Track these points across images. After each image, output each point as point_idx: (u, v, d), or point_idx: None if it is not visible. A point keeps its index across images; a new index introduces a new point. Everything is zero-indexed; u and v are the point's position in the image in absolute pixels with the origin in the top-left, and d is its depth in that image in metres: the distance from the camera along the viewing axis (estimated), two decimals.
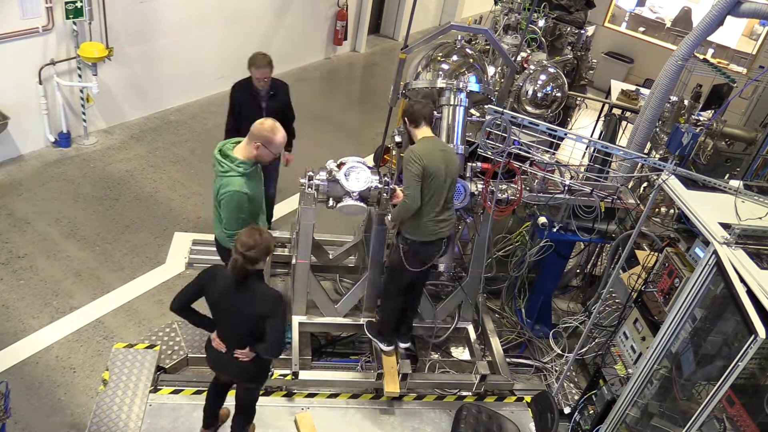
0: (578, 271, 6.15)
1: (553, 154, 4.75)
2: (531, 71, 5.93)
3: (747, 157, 5.48)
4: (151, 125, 8.08)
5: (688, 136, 5.13)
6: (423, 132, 4.25)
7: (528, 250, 5.30)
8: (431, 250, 4.31)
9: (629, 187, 5.34)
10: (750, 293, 3.02)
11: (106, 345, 4.92)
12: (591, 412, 4.54)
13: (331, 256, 5.72)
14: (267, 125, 4.01)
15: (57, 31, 6.69)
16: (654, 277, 4.21)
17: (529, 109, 5.88)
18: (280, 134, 4.04)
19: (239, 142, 4.15)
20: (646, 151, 5.74)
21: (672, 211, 4.56)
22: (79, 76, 7.08)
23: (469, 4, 14.19)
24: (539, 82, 5.84)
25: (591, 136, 7.17)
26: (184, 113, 8.51)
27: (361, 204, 4.54)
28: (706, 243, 3.45)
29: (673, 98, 5.84)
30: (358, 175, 4.48)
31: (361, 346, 5.28)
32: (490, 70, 6.23)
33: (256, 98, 5.51)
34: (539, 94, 5.83)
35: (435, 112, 4.85)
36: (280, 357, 4.86)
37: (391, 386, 4.59)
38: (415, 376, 4.82)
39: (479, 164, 4.71)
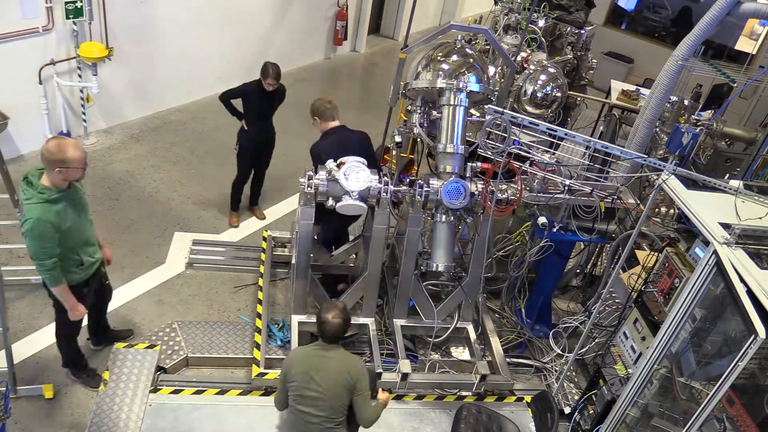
0: (578, 271, 6.15)
1: (553, 154, 4.75)
2: (531, 71, 5.93)
3: (747, 157, 5.49)
4: (151, 125, 8.08)
5: (688, 136, 5.13)
6: None
7: (528, 250, 5.30)
8: None
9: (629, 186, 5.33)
10: (750, 293, 3.02)
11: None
12: (591, 412, 4.54)
13: (330, 256, 5.72)
14: (52, 146, 3.62)
15: (57, 31, 6.69)
16: (654, 277, 4.21)
17: (529, 109, 5.88)
18: (71, 149, 3.65)
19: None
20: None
21: (672, 211, 4.56)
22: (79, 76, 7.08)
23: (469, 4, 14.20)
24: (539, 82, 5.84)
25: (591, 135, 7.17)
26: (184, 113, 8.51)
27: (361, 204, 4.54)
28: (706, 243, 3.45)
29: (673, 98, 5.84)
30: (358, 175, 4.48)
31: (361, 346, 5.28)
32: (490, 70, 6.23)
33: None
34: (539, 94, 5.83)
35: (434, 112, 4.87)
36: (280, 357, 4.89)
37: None
38: (415, 376, 4.82)
39: (479, 164, 4.71)
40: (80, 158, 3.69)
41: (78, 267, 4.00)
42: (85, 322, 4.38)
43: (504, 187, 4.72)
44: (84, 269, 4.05)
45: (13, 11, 6.25)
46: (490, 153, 4.38)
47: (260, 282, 5.48)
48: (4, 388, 3.74)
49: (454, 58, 4.96)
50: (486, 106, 4.58)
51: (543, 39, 7.20)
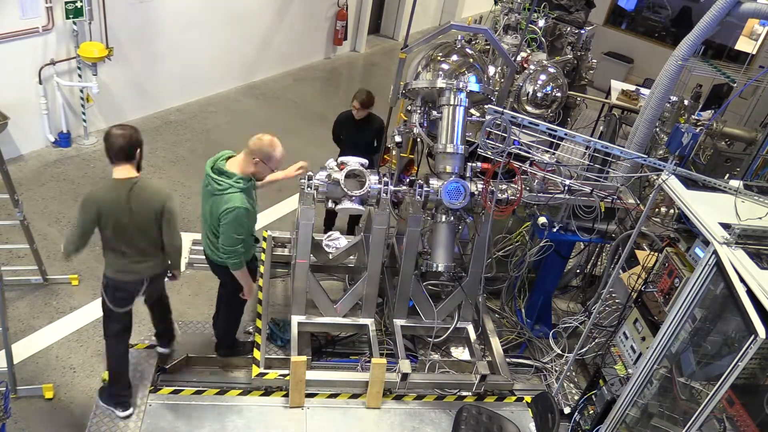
0: (578, 271, 6.15)
1: (553, 154, 4.75)
2: (531, 71, 5.93)
3: (747, 157, 5.49)
4: (151, 125, 8.08)
5: (688, 136, 5.13)
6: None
7: (528, 250, 5.30)
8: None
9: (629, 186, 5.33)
10: (750, 293, 3.01)
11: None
12: (591, 412, 4.54)
13: (330, 256, 5.72)
14: (266, 140, 3.94)
15: (57, 31, 6.69)
16: (654, 277, 4.21)
17: (529, 109, 5.88)
18: (279, 149, 3.98)
19: (230, 157, 4.06)
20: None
21: (672, 211, 4.56)
22: (79, 76, 7.08)
23: (469, 4, 14.20)
24: (539, 82, 5.84)
25: (591, 135, 7.17)
26: (184, 113, 8.51)
27: (360, 206, 4.54)
28: (706, 243, 3.45)
29: (673, 98, 5.84)
30: (358, 178, 4.48)
31: (361, 346, 5.28)
32: (490, 70, 6.23)
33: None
34: (539, 94, 5.83)
35: (434, 112, 4.86)
36: (280, 356, 4.90)
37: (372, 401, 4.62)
38: (415, 376, 4.82)
39: (479, 164, 4.71)
40: (278, 163, 4.05)
41: (249, 250, 4.27)
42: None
43: (504, 187, 4.72)
44: (252, 250, 4.38)
45: (13, 11, 6.25)
46: (490, 153, 4.38)
47: (260, 282, 5.47)
48: (4, 388, 3.75)
49: (454, 58, 4.96)
50: (486, 106, 4.59)
51: (543, 39, 7.20)
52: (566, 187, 4.76)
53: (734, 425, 3.34)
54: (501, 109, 4.20)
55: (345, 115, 5.92)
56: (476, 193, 4.64)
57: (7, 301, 5.04)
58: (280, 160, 4.00)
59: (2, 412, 3.59)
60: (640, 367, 3.83)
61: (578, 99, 7.65)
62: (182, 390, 4.51)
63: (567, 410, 4.82)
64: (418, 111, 5.04)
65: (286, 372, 4.60)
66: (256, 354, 4.75)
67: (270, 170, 4.03)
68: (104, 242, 3.86)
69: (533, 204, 4.95)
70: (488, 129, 4.30)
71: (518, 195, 4.66)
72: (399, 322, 5.11)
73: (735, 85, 6.72)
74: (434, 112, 4.86)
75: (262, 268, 5.62)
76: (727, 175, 5.51)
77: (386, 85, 5.49)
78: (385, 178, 4.61)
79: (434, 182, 4.60)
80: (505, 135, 4.25)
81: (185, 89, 8.64)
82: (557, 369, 5.28)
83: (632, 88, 8.65)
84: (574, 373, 5.27)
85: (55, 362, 4.72)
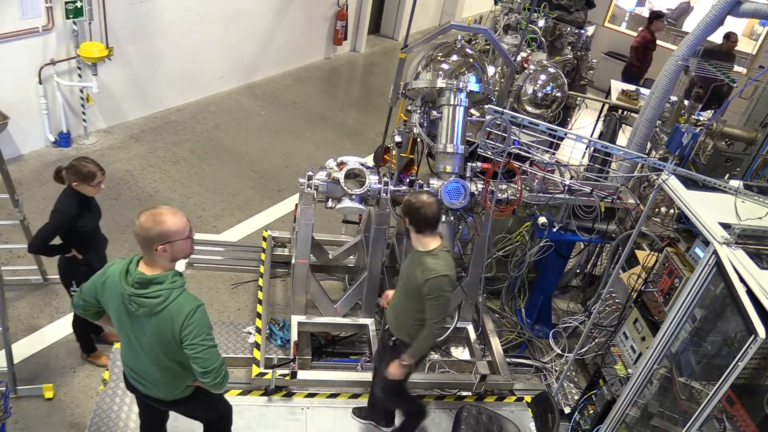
0: (578, 271, 6.15)
1: (553, 154, 4.75)
2: (531, 71, 5.93)
3: (747, 157, 5.48)
4: (151, 125, 8.08)
5: (688, 136, 5.13)
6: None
7: (528, 250, 5.30)
8: None
9: (629, 186, 5.34)
10: (750, 293, 3.02)
11: (106, 345, 4.91)
12: (591, 412, 4.54)
13: (330, 256, 5.73)
14: (143, 221, 2.96)
15: (57, 31, 6.69)
16: (654, 277, 4.21)
17: (529, 109, 5.88)
18: (167, 219, 2.94)
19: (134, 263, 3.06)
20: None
21: (672, 211, 4.56)
22: (79, 75, 7.07)
23: (469, 4, 14.21)
24: (539, 82, 5.84)
25: (591, 136, 7.17)
26: (184, 113, 8.51)
27: (360, 205, 4.54)
28: (706, 243, 3.45)
29: (673, 98, 5.84)
30: (358, 177, 4.48)
31: (361, 346, 5.28)
32: (490, 70, 6.23)
33: None
34: (539, 94, 5.83)
35: (434, 112, 4.86)
36: (281, 357, 4.89)
37: None
38: (415, 376, 4.82)
39: (479, 164, 4.71)
40: (186, 225, 2.95)
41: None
42: None
43: (504, 187, 4.72)
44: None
45: (13, 11, 6.25)
46: (490, 153, 4.38)
47: (260, 282, 5.48)
48: (4, 388, 3.75)
49: (454, 58, 4.96)
50: (486, 106, 4.59)
51: (543, 39, 7.21)
52: (566, 187, 4.77)
53: (734, 425, 3.34)
54: (501, 109, 4.20)
55: None
56: (476, 193, 4.64)
57: (7, 301, 5.03)
58: (184, 225, 2.92)
59: (2, 412, 3.59)
60: (640, 367, 3.83)
61: (578, 99, 7.66)
62: None
63: (567, 410, 4.82)
64: (418, 111, 5.04)
65: (285, 372, 4.60)
66: (256, 354, 4.75)
67: (189, 240, 2.96)
68: None
69: (533, 204, 4.95)
70: (488, 129, 4.30)
71: (518, 195, 4.66)
72: None
73: (735, 85, 6.72)
74: (434, 112, 4.86)
75: (262, 268, 5.62)
76: (727, 175, 5.50)
77: (386, 85, 5.48)
78: (385, 178, 4.61)
79: (434, 182, 4.60)
80: (505, 135, 4.26)
81: (185, 89, 8.64)
82: (557, 369, 5.28)
83: (632, 88, 8.65)
84: (574, 373, 5.28)
85: (55, 362, 4.72)
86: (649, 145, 5.84)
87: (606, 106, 8.44)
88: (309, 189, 4.51)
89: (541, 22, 7.29)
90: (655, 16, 9.58)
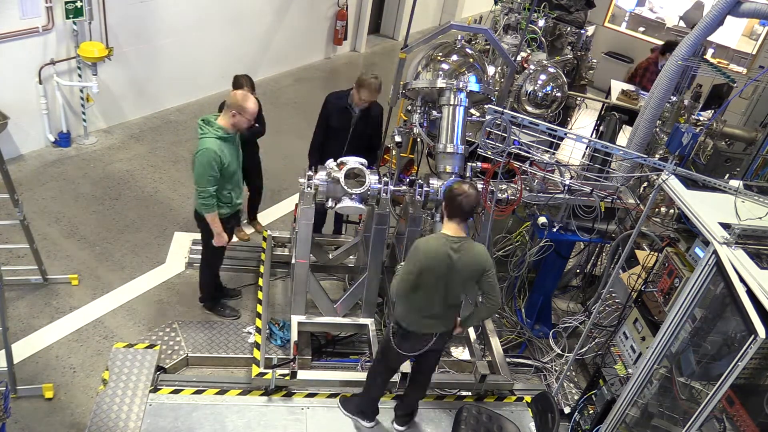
0: (578, 271, 6.15)
1: (553, 154, 4.75)
2: (531, 71, 5.93)
3: (747, 157, 5.48)
4: (151, 125, 8.08)
5: (688, 136, 5.13)
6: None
7: (528, 250, 5.30)
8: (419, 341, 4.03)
9: (629, 186, 5.34)
10: (750, 293, 3.02)
11: (106, 345, 4.92)
12: (591, 412, 4.54)
13: (330, 256, 5.73)
14: (239, 95, 4.41)
15: (57, 31, 6.69)
16: (654, 277, 4.21)
17: (529, 109, 5.87)
18: (251, 101, 4.41)
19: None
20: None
21: (672, 211, 4.56)
22: (79, 75, 7.08)
23: (469, 4, 14.20)
24: (539, 82, 5.84)
25: (591, 136, 7.17)
26: (184, 113, 8.51)
27: (360, 205, 4.54)
28: (706, 243, 3.45)
29: (673, 98, 5.84)
30: (359, 177, 4.48)
31: (361, 346, 5.28)
32: (490, 70, 6.23)
33: (348, 113, 5.46)
34: (539, 94, 5.83)
35: (434, 112, 4.85)
36: (281, 357, 4.89)
37: None
38: None
39: (479, 164, 4.71)
40: (252, 114, 4.43)
41: (226, 204, 4.68)
42: None
43: (504, 187, 4.72)
44: (231, 207, 4.74)
45: (13, 11, 6.25)
46: (490, 153, 4.38)
47: (260, 282, 5.48)
48: (4, 388, 3.74)
49: (454, 58, 4.96)
50: (486, 106, 4.59)
51: (543, 39, 7.20)
52: (566, 187, 4.76)
53: (734, 425, 3.34)
54: (501, 109, 4.20)
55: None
56: None
57: (7, 301, 5.04)
58: (253, 112, 4.42)
59: (2, 411, 3.59)
60: (640, 367, 3.83)
61: (578, 99, 7.65)
62: (182, 390, 4.51)
63: (567, 410, 4.83)
64: (418, 111, 5.04)
65: (285, 372, 4.60)
66: (256, 354, 4.75)
67: (247, 121, 4.44)
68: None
69: (533, 204, 4.95)
70: (488, 129, 4.30)
71: (518, 195, 4.66)
72: None
73: (735, 85, 6.72)
74: (434, 112, 4.86)
75: (262, 268, 5.62)
76: (727, 175, 5.50)
77: (386, 85, 5.47)
78: (385, 178, 4.61)
79: (434, 182, 4.60)
80: (505, 135, 4.26)
81: (185, 89, 8.63)
82: (557, 369, 5.28)
83: (632, 88, 8.64)
84: (574, 373, 5.28)
85: (55, 362, 4.73)
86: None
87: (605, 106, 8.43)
88: (309, 189, 4.51)
89: (541, 22, 7.28)
90: (668, 48, 8.74)
